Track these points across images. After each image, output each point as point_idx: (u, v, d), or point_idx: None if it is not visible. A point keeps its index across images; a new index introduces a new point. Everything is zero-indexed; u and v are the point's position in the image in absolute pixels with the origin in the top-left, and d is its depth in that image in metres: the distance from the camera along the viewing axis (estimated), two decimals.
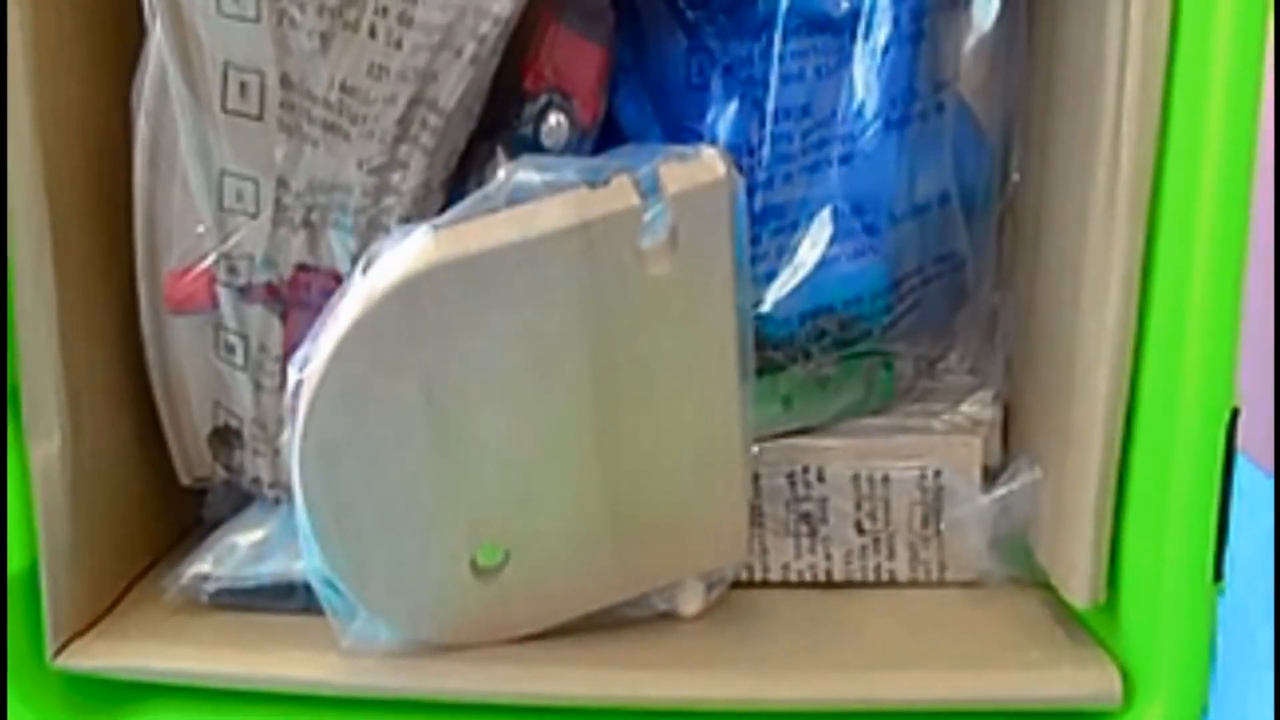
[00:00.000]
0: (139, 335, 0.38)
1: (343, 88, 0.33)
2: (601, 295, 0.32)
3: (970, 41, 0.38)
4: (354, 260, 0.33)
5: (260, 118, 0.34)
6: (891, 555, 0.39)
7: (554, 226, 0.31)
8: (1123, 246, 0.32)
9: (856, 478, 0.39)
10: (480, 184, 0.33)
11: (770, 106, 0.36)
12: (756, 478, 0.39)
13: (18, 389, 0.35)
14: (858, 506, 0.39)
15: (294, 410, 0.32)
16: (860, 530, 0.39)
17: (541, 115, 0.35)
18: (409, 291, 0.30)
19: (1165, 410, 0.32)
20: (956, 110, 0.38)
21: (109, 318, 0.38)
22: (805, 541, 0.40)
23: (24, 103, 0.34)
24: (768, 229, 0.37)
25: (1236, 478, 0.32)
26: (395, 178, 0.34)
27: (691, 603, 0.38)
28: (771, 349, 0.37)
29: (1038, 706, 0.35)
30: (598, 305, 0.32)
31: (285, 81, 0.34)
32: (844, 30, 0.36)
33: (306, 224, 0.35)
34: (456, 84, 0.33)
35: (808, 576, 0.40)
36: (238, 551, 0.39)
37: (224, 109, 0.34)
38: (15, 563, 0.35)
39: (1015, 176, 0.40)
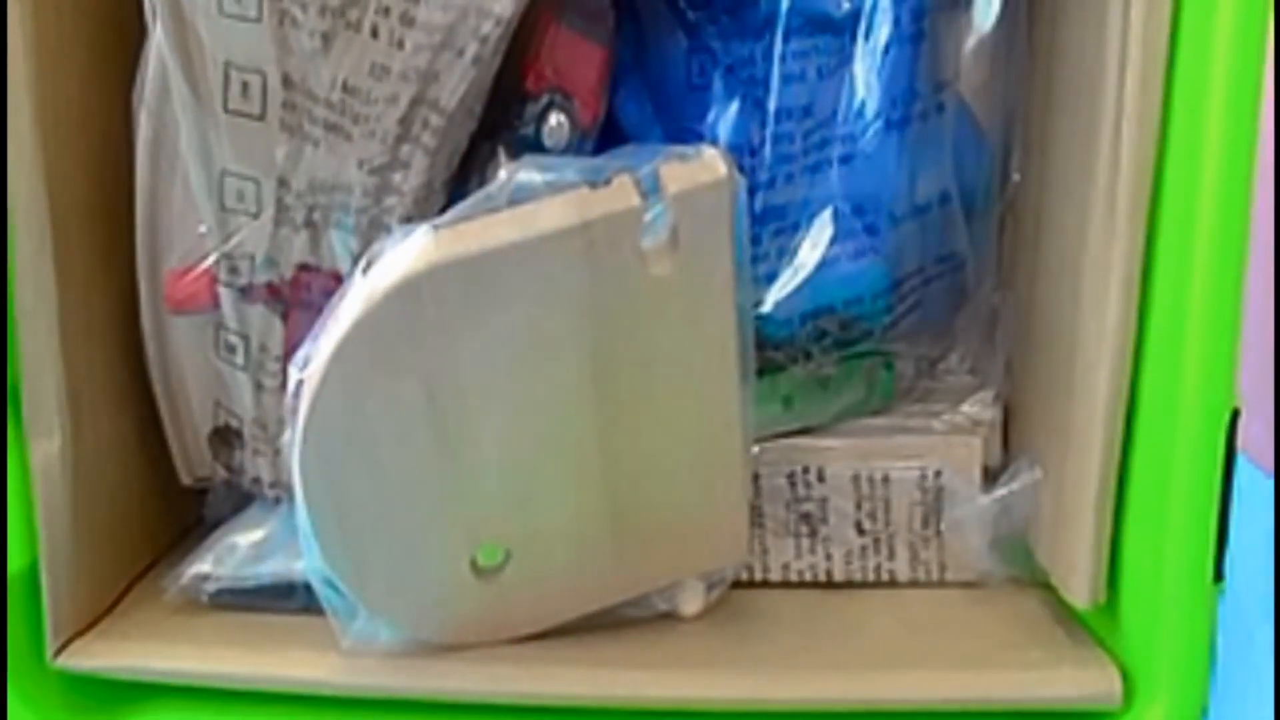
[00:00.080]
0: (139, 335, 0.38)
1: (344, 88, 0.33)
2: (602, 295, 0.32)
3: (970, 42, 0.38)
4: (355, 260, 0.33)
5: (262, 118, 0.34)
6: (891, 555, 0.40)
7: (555, 226, 0.30)
8: (1123, 247, 0.32)
9: (857, 478, 0.39)
10: (481, 184, 0.33)
11: (771, 107, 0.36)
12: (756, 478, 0.39)
13: (18, 388, 0.35)
14: (858, 507, 0.39)
15: (294, 410, 0.32)
16: (860, 530, 0.39)
17: (543, 115, 0.35)
18: (410, 291, 0.30)
19: (1165, 411, 0.32)
20: (957, 110, 0.38)
21: (109, 317, 0.38)
22: (805, 541, 0.40)
23: (24, 103, 0.34)
24: (768, 229, 0.37)
25: (1236, 478, 0.32)
26: (397, 178, 0.34)
27: (692, 603, 0.38)
28: (772, 349, 0.37)
29: (1038, 707, 0.35)
30: (598, 305, 0.32)
31: (287, 81, 0.33)
32: (845, 30, 0.36)
33: (308, 224, 0.35)
34: (458, 84, 0.33)
35: (808, 576, 0.40)
36: (238, 551, 0.39)
37: (225, 109, 0.34)
38: (15, 562, 0.35)
39: (1015, 176, 0.40)
